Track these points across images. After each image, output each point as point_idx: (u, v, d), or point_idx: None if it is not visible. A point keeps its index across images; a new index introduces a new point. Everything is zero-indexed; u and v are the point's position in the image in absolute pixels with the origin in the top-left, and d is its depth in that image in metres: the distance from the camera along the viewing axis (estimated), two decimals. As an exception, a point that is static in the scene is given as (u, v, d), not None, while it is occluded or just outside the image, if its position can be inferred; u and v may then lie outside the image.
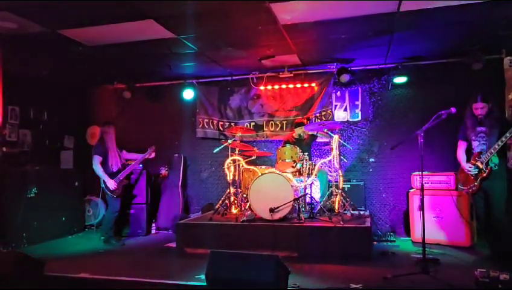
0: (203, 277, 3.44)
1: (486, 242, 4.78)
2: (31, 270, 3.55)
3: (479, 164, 4.39)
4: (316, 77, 6.67)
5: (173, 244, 5.45)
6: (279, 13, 4.38)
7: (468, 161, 4.58)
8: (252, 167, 5.91)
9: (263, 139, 6.99)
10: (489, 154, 4.29)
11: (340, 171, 5.50)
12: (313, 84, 6.68)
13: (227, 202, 5.77)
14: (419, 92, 6.29)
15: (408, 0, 4.07)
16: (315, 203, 5.42)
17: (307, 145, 6.13)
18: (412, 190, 5.76)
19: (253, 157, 6.20)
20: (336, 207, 5.31)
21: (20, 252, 4.24)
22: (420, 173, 4.03)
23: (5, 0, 3.96)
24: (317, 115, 6.61)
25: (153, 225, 6.76)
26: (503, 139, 4.18)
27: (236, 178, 5.81)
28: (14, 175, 5.83)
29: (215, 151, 6.14)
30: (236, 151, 5.86)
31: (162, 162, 7.16)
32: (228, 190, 5.84)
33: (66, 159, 7.37)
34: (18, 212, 5.70)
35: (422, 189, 4.08)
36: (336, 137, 5.46)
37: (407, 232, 5.81)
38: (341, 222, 4.82)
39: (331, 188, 5.54)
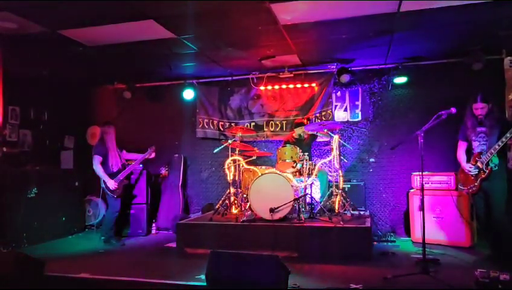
0: (203, 277, 3.44)
1: (486, 242, 4.78)
2: (31, 270, 3.54)
3: (479, 164, 4.38)
4: (316, 77, 6.67)
5: (173, 245, 5.45)
6: (279, 13, 4.38)
7: (468, 161, 4.58)
8: (252, 167, 5.91)
9: (263, 139, 6.99)
10: (489, 155, 4.28)
11: (340, 171, 5.49)
12: (313, 85, 6.68)
13: (227, 202, 5.77)
14: (419, 92, 6.29)
15: (408, 0, 4.07)
16: (315, 204, 5.42)
17: (307, 145, 6.13)
18: (412, 190, 5.76)
19: (254, 158, 6.20)
20: (336, 207, 5.31)
21: (21, 252, 4.23)
22: (420, 173, 4.03)
23: (5, 0, 3.96)
24: (317, 115, 6.61)
25: (153, 225, 6.75)
26: (504, 139, 4.17)
27: (237, 178, 5.82)
28: (14, 175, 5.83)
29: (215, 151, 6.14)
30: (237, 152, 5.86)
31: (162, 162, 7.16)
32: (228, 190, 5.84)
33: (66, 159, 7.37)
34: (18, 213, 5.70)
35: (422, 189, 4.08)
36: (336, 137, 5.46)
37: (407, 233, 5.81)
38: (341, 222, 4.82)
39: (331, 188, 5.54)
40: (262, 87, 6.88)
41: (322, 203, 5.41)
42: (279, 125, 6.91)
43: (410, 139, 4.22)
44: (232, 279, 3.18)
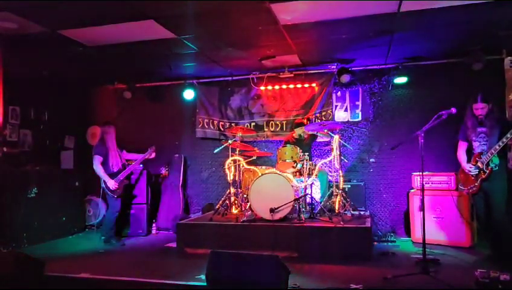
0: (203, 277, 3.44)
1: (486, 242, 4.79)
2: (31, 270, 3.54)
3: (479, 164, 4.38)
4: (317, 77, 6.67)
5: (173, 245, 5.45)
6: (279, 13, 4.38)
7: (468, 161, 4.58)
8: (252, 167, 5.91)
9: (263, 139, 6.99)
10: (489, 155, 4.28)
11: (340, 171, 5.49)
12: (314, 85, 6.68)
13: (227, 202, 5.77)
14: (419, 92, 6.28)
15: (409, 0, 4.07)
16: (315, 204, 5.42)
17: (307, 145, 6.13)
18: (412, 190, 5.76)
19: (254, 158, 6.21)
20: (336, 207, 5.31)
21: (21, 252, 4.24)
22: (420, 173, 4.03)
23: (5, 0, 3.96)
24: (318, 115, 6.60)
25: (153, 225, 6.75)
26: (504, 140, 4.17)
27: (237, 178, 5.82)
28: (14, 175, 5.83)
29: (215, 151, 6.14)
30: (237, 152, 5.86)
31: (162, 162, 7.17)
32: (228, 190, 5.84)
33: (66, 159, 7.37)
34: (18, 213, 5.70)
35: (422, 189, 4.08)
36: (336, 137, 5.46)
37: (408, 233, 5.81)
38: (341, 222, 4.82)
39: (331, 189, 5.54)
40: (262, 87, 6.88)
41: (322, 203, 5.41)
42: (280, 125, 6.91)
43: (410, 139, 4.22)
44: (232, 279, 3.18)
